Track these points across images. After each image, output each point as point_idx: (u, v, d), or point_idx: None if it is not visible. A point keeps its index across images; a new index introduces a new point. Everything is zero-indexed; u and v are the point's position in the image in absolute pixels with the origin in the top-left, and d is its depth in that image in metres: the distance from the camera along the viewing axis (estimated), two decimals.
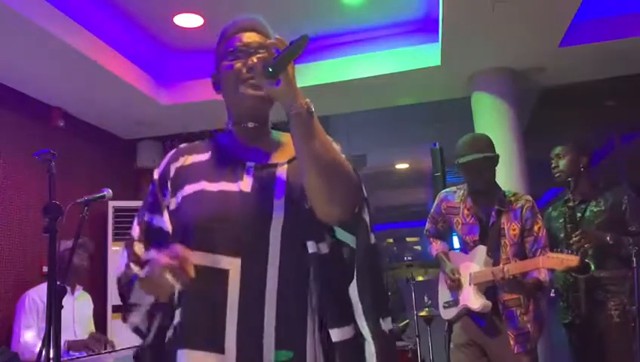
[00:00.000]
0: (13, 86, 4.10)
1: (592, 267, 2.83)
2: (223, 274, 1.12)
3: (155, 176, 1.31)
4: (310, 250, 1.15)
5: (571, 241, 2.80)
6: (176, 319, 1.16)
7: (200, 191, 1.20)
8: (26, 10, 3.20)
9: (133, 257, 1.25)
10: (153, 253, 1.10)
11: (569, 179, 3.04)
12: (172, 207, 1.23)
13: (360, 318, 1.16)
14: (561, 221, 3.08)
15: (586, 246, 2.78)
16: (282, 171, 1.22)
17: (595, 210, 2.98)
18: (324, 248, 1.17)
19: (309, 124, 1.10)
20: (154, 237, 1.24)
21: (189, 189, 1.21)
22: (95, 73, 3.96)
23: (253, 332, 1.11)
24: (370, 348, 1.15)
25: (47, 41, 3.46)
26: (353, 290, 1.16)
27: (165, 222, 1.24)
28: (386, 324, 1.17)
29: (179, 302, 1.16)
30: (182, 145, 1.34)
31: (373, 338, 1.15)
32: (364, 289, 1.15)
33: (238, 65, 1.25)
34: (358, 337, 1.16)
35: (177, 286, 1.06)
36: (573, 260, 2.37)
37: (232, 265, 1.13)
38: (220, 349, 1.10)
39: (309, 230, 1.16)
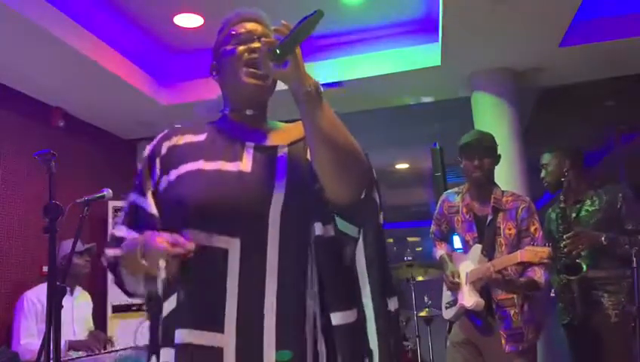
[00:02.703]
0: (13, 86, 4.10)
1: (584, 267, 2.83)
2: (222, 253, 1.11)
3: (146, 153, 1.29)
4: (317, 232, 1.14)
5: (563, 243, 2.80)
6: (178, 297, 1.13)
7: (197, 171, 1.18)
8: (26, 10, 3.20)
9: (111, 242, 1.23)
10: (149, 234, 1.09)
11: (561, 180, 3.04)
12: (163, 185, 1.21)
13: (366, 297, 1.16)
14: (556, 223, 3.08)
15: (579, 247, 2.78)
16: (283, 153, 1.22)
17: (591, 209, 2.97)
18: (331, 230, 1.17)
19: (318, 104, 1.10)
20: (139, 220, 1.22)
21: (185, 168, 1.19)
22: (95, 73, 3.96)
23: (254, 312, 1.10)
24: (372, 327, 1.15)
25: (47, 41, 3.46)
26: (361, 266, 1.17)
27: (149, 204, 1.21)
28: (392, 303, 1.18)
29: (178, 282, 1.13)
30: (176, 125, 1.32)
31: (377, 316, 1.15)
32: (372, 266, 1.17)
33: (240, 49, 1.25)
34: (360, 320, 1.16)
35: (162, 276, 1.04)
36: (543, 251, 2.39)
37: (231, 245, 1.12)
38: (219, 328, 1.09)
39: (315, 212, 1.16)
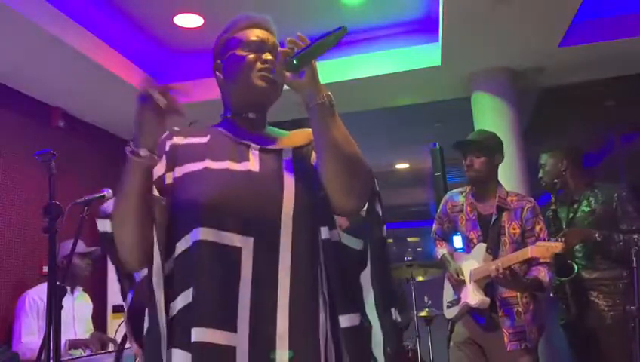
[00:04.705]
0: (13, 86, 4.10)
1: (575, 268, 2.83)
2: (236, 251, 1.11)
3: None
4: (323, 236, 1.16)
5: None
6: (189, 297, 1.11)
7: (204, 169, 1.18)
8: (26, 10, 3.20)
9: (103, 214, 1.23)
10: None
11: (555, 181, 3.04)
12: (168, 181, 1.20)
13: (370, 307, 1.18)
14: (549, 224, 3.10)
15: (572, 242, 2.78)
16: (289, 156, 1.23)
17: (587, 209, 2.98)
18: (337, 236, 1.18)
19: (331, 116, 1.13)
20: None
21: (190, 167, 1.19)
22: (95, 73, 3.96)
23: (266, 310, 1.10)
24: (377, 336, 1.17)
25: (47, 41, 3.46)
26: (365, 279, 1.19)
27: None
28: (395, 314, 1.20)
29: (188, 281, 1.12)
30: (174, 128, 1.31)
31: (382, 326, 1.17)
32: (376, 279, 1.19)
33: (251, 57, 1.25)
34: (364, 327, 1.17)
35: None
36: (557, 246, 2.38)
37: (245, 244, 1.12)
38: (232, 327, 1.08)
39: (321, 216, 1.17)
